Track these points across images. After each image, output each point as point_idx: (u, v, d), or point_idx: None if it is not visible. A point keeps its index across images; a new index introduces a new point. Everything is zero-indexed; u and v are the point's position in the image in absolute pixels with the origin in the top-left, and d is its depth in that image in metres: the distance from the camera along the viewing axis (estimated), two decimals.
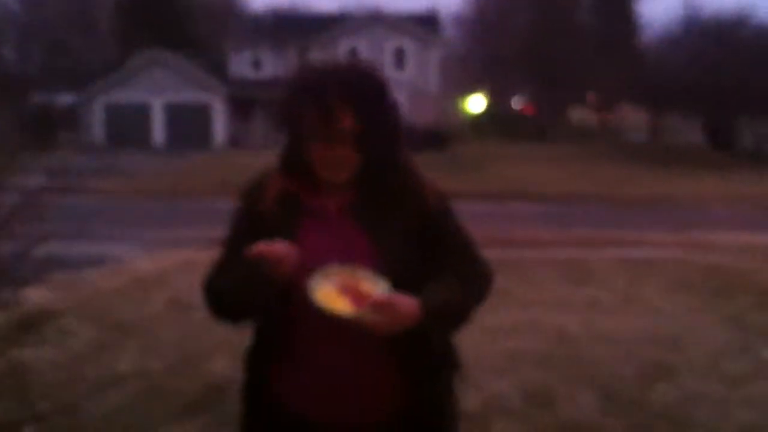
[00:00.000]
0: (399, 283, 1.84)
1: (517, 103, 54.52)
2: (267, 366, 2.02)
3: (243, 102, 40.96)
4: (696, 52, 33.09)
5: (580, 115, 50.90)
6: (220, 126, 41.06)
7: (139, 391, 4.79)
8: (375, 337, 1.80)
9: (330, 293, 1.79)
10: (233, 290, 1.93)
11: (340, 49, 41.80)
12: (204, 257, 10.30)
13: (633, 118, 45.73)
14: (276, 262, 1.80)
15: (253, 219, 1.98)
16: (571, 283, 8.64)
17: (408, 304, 1.80)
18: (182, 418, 4.34)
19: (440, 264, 1.97)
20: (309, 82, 1.92)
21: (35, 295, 7.49)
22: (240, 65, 42.55)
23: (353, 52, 41.73)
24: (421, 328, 1.82)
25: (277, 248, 1.81)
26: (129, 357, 5.54)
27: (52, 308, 6.94)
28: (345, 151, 1.89)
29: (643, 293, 8.10)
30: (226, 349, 5.62)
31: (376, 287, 1.80)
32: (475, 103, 50.63)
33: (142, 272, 9.02)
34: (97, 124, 40.74)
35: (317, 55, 41.51)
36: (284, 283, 1.83)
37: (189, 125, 39.94)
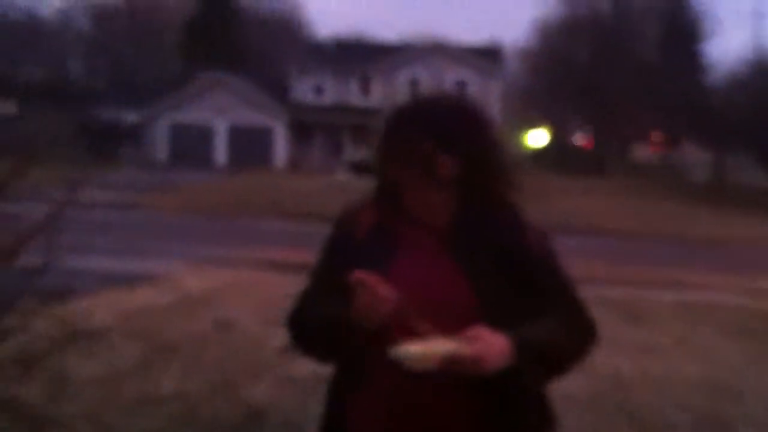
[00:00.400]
0: (495, 323, 1.70)
1: (578, 138, 54.05)
2: (348, 397, 1.89)
3: (304, 126, 41.37)
4: (762, 92, 32.40)
5: (643, 152, 50.20)
6: (280, 148, 41.49)
7: (176, 415, 4.71)
8: (463, 378, 1.68)
9: (416, 350, 1.66)
10: (323, 328, 1.83)
11: (401, 78, 41.96)
12: (252, 278, 10.33)
13: (696, 157, 44.93)
14: (375, 302, 1.69)
15: (346, 249, 1.88)
16: (625, 323, 8.38)
17: (500, 339, 1.67)
18: None
19: (539, 309, 1.82)
20: (408, 125, 1.82)
21: (85, 309, 7.54)
22: (302, 90, 42.98)
23: (414, 83, 41.87)
24: (512, 369, 1.69)
25: (379, 288, 1.69)
26: (170, 377, 5.48)
27: (100, 323, 6.95)
28: (443, 197, 1.81)
29: (700, 339, 7.81)
30: (269, 374, 5.54)
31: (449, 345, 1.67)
32: (536, 137, 50.30)
33: (190, 290, 9.01)
34: (160, 142, 41.48)
35: (379, 85, 41.80)
36: (379, 323, 1.71)
37: (250, 146, 40.44)
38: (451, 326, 1.68)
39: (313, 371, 5.48)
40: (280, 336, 6.58)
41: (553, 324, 1.79)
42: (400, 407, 1.80)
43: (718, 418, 5.15)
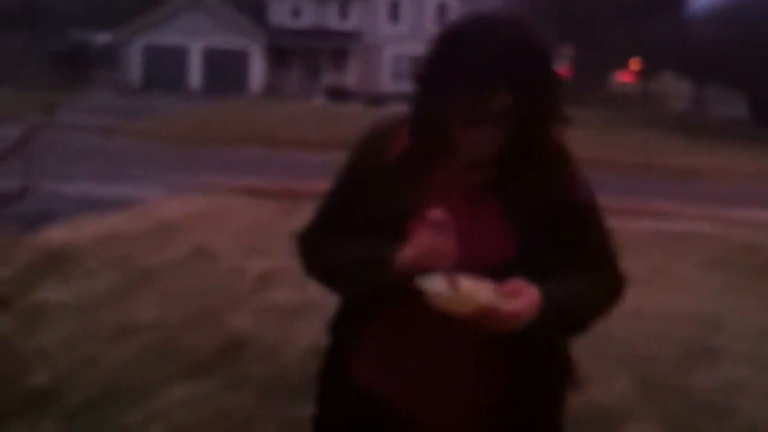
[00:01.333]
0: (532, 274, 1.59)
1: (556, 65, 53.67)
2: (355, 343, 1.77)
3: (281, 50, 40.74)
4: (744, 24, 32.23)
5: (621, 81, 50.04)
6: (256, 73, 40.90)
7: (153, 344, 4.65)
8: (489, 333, 1.55)
9: (452, 288, 1.52)
10: (353, 267, 1.69)
11: (382, 2, 41.30)
12: (230, 205, 10.22)
13: (676, 87, 44.87)
14: (439, 251, 1.55)
15: (372, 174, 1.71)
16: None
17: (536, 294, 1.55)
18: (194, 377, 4.18)
19: (574, 262, 1.71)
20: (458, 52, 1.60)
21: (60, 235, 7.43)
22: (279, 12, 42.22)
23: (394, 6, 41.23)
24: (536, 324, 1.57)
25: (438, 243, 1.55)
26: (148, 305, 5.42)
27: (75, 249, 6.85)
28: (492, 132, 1.61)
29: (678, 269, 7.85)
30: (249, 304, 5.49)
31: (491, 293, 1.53)
32: None
33: (168, 217, 8.90)
34: (133, 65, 40.76)
35: (359, 8, 41.10)
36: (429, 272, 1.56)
37: (226, 71, 39.82)
38: (485, 274, 1.56)
39: (293, 299, 5.46)
40: (260, 263, 6.57)
41: (583, 281, 1.69)
42: (416, 361, 1.70)
43: (700, 348, 5.17)
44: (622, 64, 48.53)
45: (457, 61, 1.60)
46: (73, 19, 41.63)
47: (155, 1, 41.42)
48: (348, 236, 1.71)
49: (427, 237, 1.56)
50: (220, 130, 21.79)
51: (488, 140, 1.63)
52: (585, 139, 23.54)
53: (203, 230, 8.15)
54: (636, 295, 6.64)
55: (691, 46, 34.69)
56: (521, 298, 1.52)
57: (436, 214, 1.54)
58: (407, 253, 1.58)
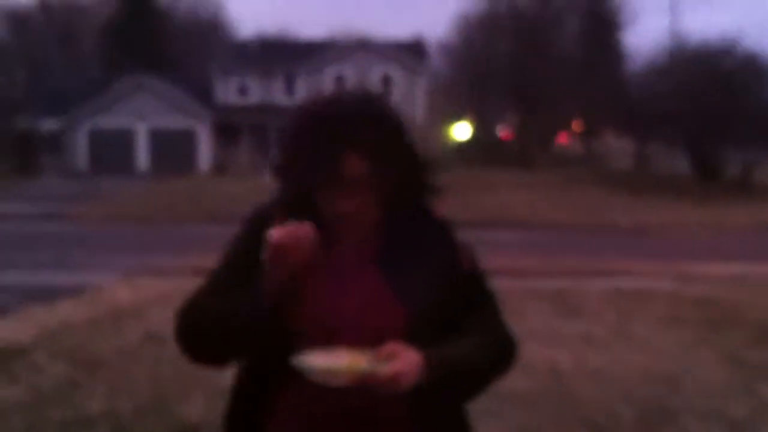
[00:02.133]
0: (419, 342, 1.62)
1: (501, 130, 54.60)
2: (255, 417, 1.75)
3: (228, 128, 40.83)
4: (681, 80, 33.19)
5: (565, 142, 50.95)
6: (204, 152, 40.86)
7: None
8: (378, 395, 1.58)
9: (323, 362, 1.55)
10: (224, 310, 1.67)
11: (327, 76, 41.81)
12: (184, 287, 10.06)
13: (618, 146, 45.79)
14: (293, 247, 1.58)
15: (255, 252, 1.69)
16: (559, 315, 8.41)
17: (415, 356, 1.58)
18: None
19: (462, 326, 1.75)
20: (313, 122, 1.68)
21: (5, 328, 7.22)
22: (226, 91, 42.44)
23: (340, 80, 41.75)
24: (426, 385, 1.60)
25: (295, 229, 1.58)
26: (99, 396, 5.25)
27: (22, 343, 6.65)
28: (357, 202, 1.67)
29: (635, 327, 7.87)
30: (202, 389, 5.35)
31: (367, 359, 1.56)
32: (461, 131, 50.64)
33: (118, 303, 8.73)
34: (80, 150, 40.49)
35: (305, 83, 41.58)
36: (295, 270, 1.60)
37: (173, 151, 39.70)
38: (370, 344, 1.58)
39: None
40: None
41: (472, 342, 1.73)
42: (320, 413, 1.68)
43: (661, 408, 5.16)
44: (566, 126, 49.57)
45: (310, 133, 1.67)
46: (18, 107, 41.39)
47: (101, 87, 41.40)
48: (222, 302, 1.70)
49: (280, 235, 1.58)
50: (168, 209, 21.63)
51: (354, 208, 1.67)
52: (534, 202, 23.90)
53: (155, 315, 7.98)
54: (595, 355, 6.68)
55: (630, 105, 35.53)
56: (398, 360, 1.55)
57: (271, 234, 1.58)
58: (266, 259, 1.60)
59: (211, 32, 57.24)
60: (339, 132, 1.64)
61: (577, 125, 48.94)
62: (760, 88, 33.30)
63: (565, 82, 40.79)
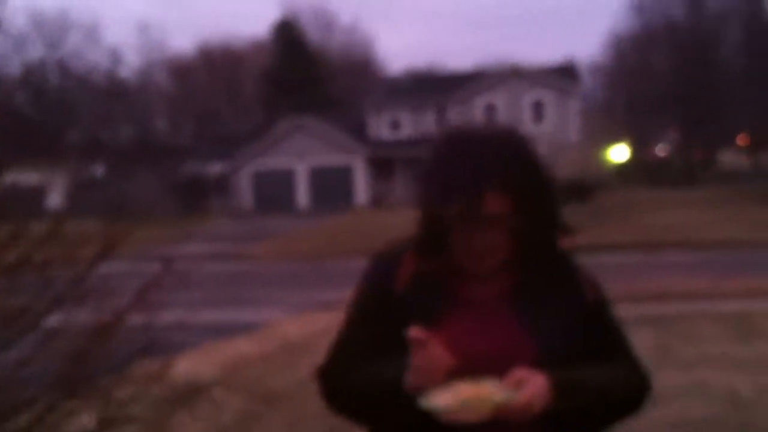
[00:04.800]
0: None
1: (661, 149, 52.89)
2: None
3: (383, 162, 41.57)
4: None
5: (729, 157, 48.81)
6: (361, 186, 41.72)
7: None
8: (514, 425, 1.57)
9: (455, 398, 1.54)
10: (372, 392, 1.69)
11: (478, 105, 41.88)
12: None
13: None
14: (431, 363, 1.56)
15: (385, 298, 1.73)
16: (738, 338, 8.04)
17: (542, 380, 1.58)
18: None
19: (593, 361, 1.73)
20: (455, 158, 1.67)
21: (186, 365, 7.60)
22: (379, 126, 43.31)
23: (491, 108, 41.73)
24: (556, 408, 1.59)
25: (435, 348, 1.56)
26: (276, 430, 5.46)
27: (202, 379, 6.99)
28: (492, 239, 1.65)
29: None
30: None
31: (499, 391, 1.55)
32: (618, 153, 49.46)
33: (290, 337, 9.03)
34: (245, 190, 42.27)
35: (456, 114, 41.82)
36: (434, 386, 1.57)
37: (332, 187, 40.79)
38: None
39: None
40: None
41: (602, 372, 1.70)
42: None
43: None
44: (731, 141, 47.41)
45: (449, 171, 1.66)
46: (187, 152, 43.73)
47: (262, 130, 43.19)
48: (364, 368, 1.71)
49: (418, 358, 1.55)
50: (332, 245, 22.17)
51: (492, 247, 1.66)
52: (700, 220, 22.85)
53: (324, 348, 8.20)
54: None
55: None
56: (527, 386, 1.54)
57: (413, 332, 1.54)
58: (410, 378, 1.58)
59: (363, 70, 58.65)
60: (484, 168, 1.63)
61: (742, 139, 46.73)
62: None
63: (728, 94, 39.09)
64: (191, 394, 6.40)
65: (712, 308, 9.95)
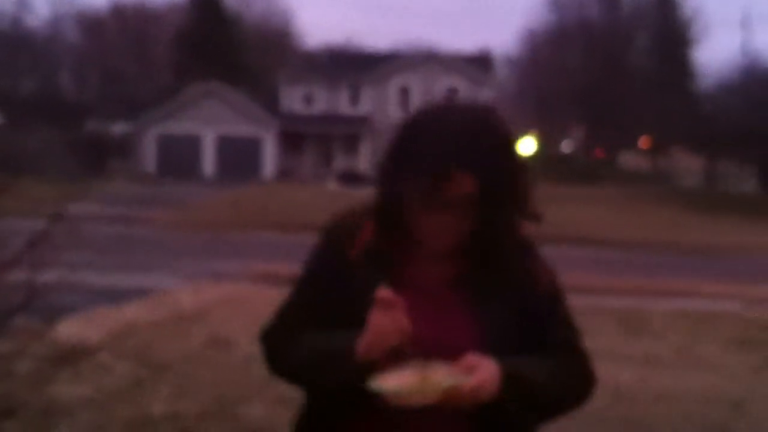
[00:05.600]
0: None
1: (566, 145, 54.11)
2: (336, 427, 1.69)
3: (293, 136, 41.27)
4: (754, 98, 32.48)
5: (631, 159, 50.29)
6: (269, 159, 41.37)
7: None
8: (455, 412, 1.54)
9: (404, 382, 1.50)
10: (315, 357, 1.64)
11: (392, 87, 41.95)
12: (246, 292, 10.20)
13: (686, 164, 44.97)
14: (391, 329, 1.52)
15: (338, 266, 1.68)
16: (624, 334, 8.28)
17: (493, 366, 1.53)
18: None
19: (541, 350, 1.68)
20: (425, 135, 1.61)
21: (72, 328, 7.39)
22: (292, 100, 42.91)
23: (405, 91, 41.86)
24: (504, 396, 1.54)
25: (396, 318, 1.51)
26: (163, 398, 5.33)
27: (89, 343, 6.80)
28: (455, 219, 1.60)
29: (701, 349, 7.72)
30: (265, 393, 5.40)
31: (449, 376, 1.51)
32: (526, 145, 50.39)
33: (183, 306, 8.87)
34: (149, 154, 41.35)
35: (371, 93, 41.77)
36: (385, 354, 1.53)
37: (239, 157, 40.32)
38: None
39: None
40: None
41: (550, 366, 1.66)
42: None
43: (724, 430, 5.04)
44: (633, 142, 48.86)
45: (417, 147, 1.60)
46: (90, 110, 42.46)
47: (170, 92, 42.26)
48: (310, 333, 1.67)
49: (378, 317, 1.52)
50: (234, 215, 21.90)
51: (452, 228, 1.61)
52: (599, 218, 23.60)
53: (219, 318, 8.10)
54: (659, 376, 6.56)
55: (701, 122, 34.90)
56: (478, 371, 1.50)
57: (383, 293, 1.51)
58: (363, 339, 1.54)
59: (279, 41, 57.96)
60: (451, 148, 1.57)
61: (644, 141, 48.24)
62: None
63: (634, 98, 40.23)
64: (76, 355, 6.22)
65: (603, 304, 10.22)
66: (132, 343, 6.90)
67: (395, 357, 1.54)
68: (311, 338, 1.65)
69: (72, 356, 6.30)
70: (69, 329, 7.32)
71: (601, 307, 9.84)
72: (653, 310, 9.80)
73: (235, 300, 9.28)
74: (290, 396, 5.39)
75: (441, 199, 1.57)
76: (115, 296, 9.29)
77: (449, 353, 1.56)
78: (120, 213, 21.93)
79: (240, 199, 26.56)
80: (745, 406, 5.63)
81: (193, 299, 9.31)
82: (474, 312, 1.65)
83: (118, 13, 57.60)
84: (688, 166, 44.57)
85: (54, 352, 6.40)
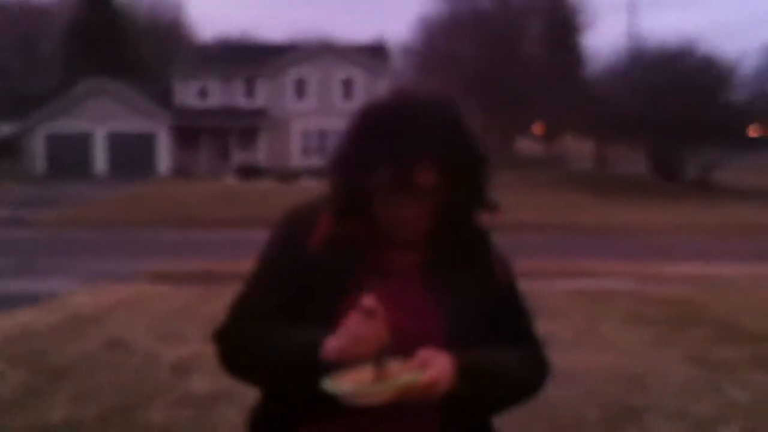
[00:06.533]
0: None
1: None
2: (296, 427, 1.65)
3: (188, 131, 40.54)
4: (640, 82, 33.60)
5: (526, 145, 51.40)
6: (164, 155, 40.54)
7: None
8: (419, 406, 1.52)
9: (356, 383, 1.47)
10: (277, 357, 1.58)
11: (289, 78, 41.66)
12: (143, 292, 9.95)
13: (578, 148, 46.25)
14: (370, 338, 1.48)
15: (297, 259, 1.64)
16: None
17: (447, 360, 1.51)
18: None
19: (500, 342, 1.68)
20: (384, 128, 1.60)
21: None
22: (186, 94, 42.10)
23: (301, 83, 41.62)
24: (459, 389, 1.53)
25: (376, 327, 1.48)
26: (60, 404, 5.14)
27: None
28: (420, 208, 1.59)
29: (599, 327, 7.93)
30: (166, 396, 5.29)
31: (403, 372, 1.49)
32: None
33: (79, 309, 8.59)
34: (38, 154, 39.97)
35: (267, 85, 41.35)
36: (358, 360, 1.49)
37: (132, 154, 39.40)
38: (409, 355, 1.51)
39: (209, 389, 5.27)
40: (174, 352, 6.35)
41: (508, 356, 1.67)
42: None
43: (627, 407, 5.18)
44: (528, 129, 49.95)
45: (381, 137, 1.59)
46: None
47: (59, 89, 40.91)
48: (271, 330, 1.62)
49: (356, 324, 1.50)
50: (127, 213, 21.40)
51: (417, 217, 1.60)
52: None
53: (117, 320, 7.88)
54: (559, 355, 6.65)
55: (590, 107, 35.88)
56: (432, 367, 1.49)
57: (368, 301, 1.49)
58: (335, 342, 1.51)
59: (171, 33, 56.80)
60: (418, 139, 1.57)
61: (538, 128, 49.34)
62: (719, 90, 33.82)
63: (526, 84, 41.07)
64: None
65: None
66: (25, 349, 6.64)
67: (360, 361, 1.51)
68: (274, 335, 1.60)
69: None
70: None
71: None
72: (551, 290, 10.02)
73: (132, 300, 9.05)
74: (192, 397, 5.30)
75: (406, 190, 1.57)
76: (7, 302, 8.93)
77: (414, 344, 1.55)
78: (6, 215, 21.12)
79: (134, 197, 25.95)
80: (643, 382, 5.80)
81: (90, 301, 9.04)
82: (438, 302, 1.64)
83: (3, 9, 55.35)
84: (580, 150, 45.86)
85: None
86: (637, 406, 5.20)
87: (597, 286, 10.65)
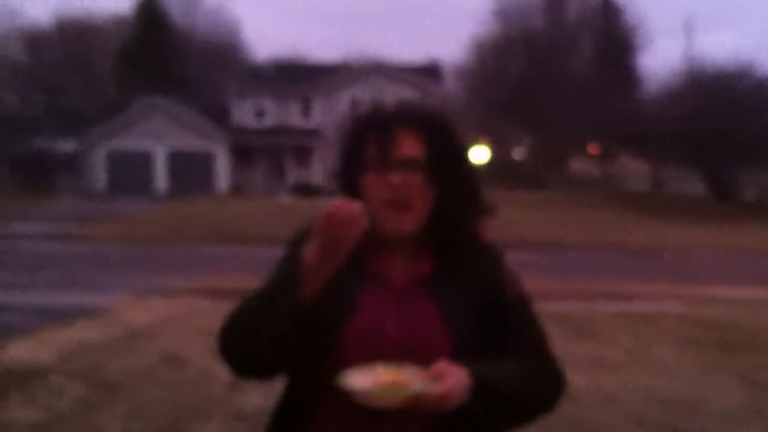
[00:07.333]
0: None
1: (517, 153, 54.59)
2: (300, 423, 1.72)
3: (245, 150, 41.10)
4: (696, 103, 33.13)
5: (580, 165, 50.92)
6: (222, 173, 41.11)
7: None
8: (423, 416, 1.57)
9: (373, 383, 1.53)
10: (261, 307, 1.62)
11: (342, 98, 41.97)
12: (197, 308, 10.09)
13: (635, 169, 45.68)
14: (344, 221, 1.51)
15: (300, 268, 1.64)
16: (571, 337, 8.37)
17: (463, 374, 1.55)
18: None
19: (508, 353, 1.71)
20: (370, 112, 1.73)
21: (22, 349, 7.28)
22: (242, 113, 42.71)
23: (355, 102, 41.88)
24: (471, 402, 1.57)
25: (348, 204, 1.52)
26: (115, 418, 5.29)
27: (39, 364, 6.70)
28: (407, 178, 1.65)
29: (648, 349, 7.85)
30: (220, 412, 5.38)
31: (418, 381, 1.54)
32: (479, 154, 50.73)
33: (134, 324, 8.76)
34: (98, 171, 40.82)
35: (321, 105, 41.71)
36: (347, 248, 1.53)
37: (191, 172, 40.02)
38: (413, 365, 1.58)
39: (263, 405, 5.36)
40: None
41: (518, 370, 1.68)
42: None
43: (674, 430, 5.14)
44: (581, 149, 49.48)
45: (366, 119, 1.71)
46: (35, 127, 41.73)
47: (116, 108, 41.78)
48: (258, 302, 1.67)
49: (327, 225, 1.53)
50: (180, 230, 21.70)
51: (403, 185, 1.65)
52: (540, 221, 23.71)
53: (171, 335, 8.03)
54: (608, 378, 6.66)
55: (645, 127, 35.46)
56: (447, 379, 1.52)
57: (336, 201, 1.53)
58: (311, 248, 1.56)
59: (227, 54, 57.61)
60: (394, 113, 1.69)
61: (593, 148, 48.87)
62: None
63: (577, 104, 40.77)
64: (27, 377, 6.14)
65: (549, 308, 10.31)
66: (82, 363, 6.81)
67: (366, 354, 1.58)
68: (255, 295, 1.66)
69: (23, 378, 6.21)
70: (18, 350, 7.22)
71: (544, 311, 9.94)
72: (599, 312, 9.94)
73: (186, 316, 9.21)
74: (246, 412, 5.41)
75: (391, 161, 1.65)
76: (62, 315, 9.15)
77: (420, 356, 1.60)
78: (65, 230, 21.60)
79: (187, 213, 26.32)
80: (693, 406, 5.75)
81: (144, 316, 9.21)
82: (443, 315, 1.68)
83: (60, 28, 56.74)
84: (636, 170, 45.28)
85: (4, 375, 6.31)
86: (684, 428, 5.16)
87: (646, 307, 10.53)
